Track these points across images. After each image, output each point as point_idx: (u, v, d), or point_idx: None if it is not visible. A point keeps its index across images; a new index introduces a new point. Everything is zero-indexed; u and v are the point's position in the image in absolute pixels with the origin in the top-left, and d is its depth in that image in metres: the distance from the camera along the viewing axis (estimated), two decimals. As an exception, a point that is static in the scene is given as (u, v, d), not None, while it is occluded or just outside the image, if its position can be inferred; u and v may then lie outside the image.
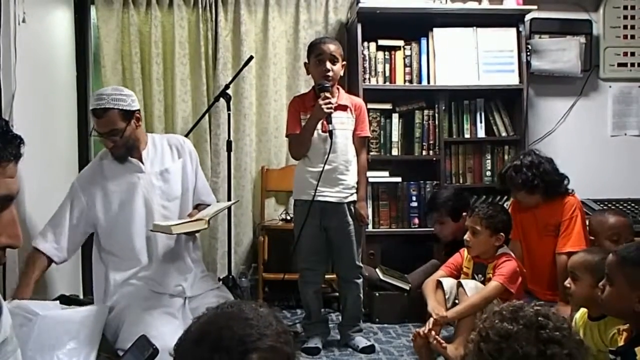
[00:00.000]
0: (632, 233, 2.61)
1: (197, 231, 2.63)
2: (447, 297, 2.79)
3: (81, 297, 3.42)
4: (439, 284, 2.82)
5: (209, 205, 2.84)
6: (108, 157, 2.67)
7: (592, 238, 2.92)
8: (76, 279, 3.56)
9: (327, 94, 2.92)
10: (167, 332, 2.32)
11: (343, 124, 3.02)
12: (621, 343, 1.81)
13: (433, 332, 2.55)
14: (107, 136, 2.55)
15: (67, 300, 2.79)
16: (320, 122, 2.95)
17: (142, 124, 2.67)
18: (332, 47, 2.99)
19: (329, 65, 2.96)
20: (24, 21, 2.74)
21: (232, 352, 0.96)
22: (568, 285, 2.12)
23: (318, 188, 2.95)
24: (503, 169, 3.23)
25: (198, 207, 2.80)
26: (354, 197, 3.05)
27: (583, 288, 2.06)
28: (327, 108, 2.89)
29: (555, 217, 3.08)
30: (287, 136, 3.16)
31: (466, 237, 2.87)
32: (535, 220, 3.14)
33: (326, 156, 2.93)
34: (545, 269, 3.12)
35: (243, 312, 1.02)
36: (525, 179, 3.06)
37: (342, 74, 3.09)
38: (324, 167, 2.93)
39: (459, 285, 2.76)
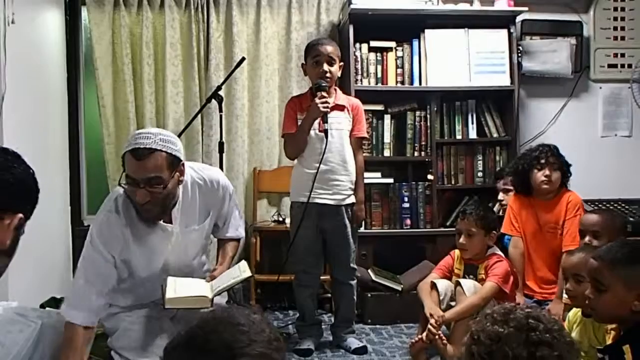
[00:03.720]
0: (616, 232, 2.61)
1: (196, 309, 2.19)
2: (441, 298, 2.80)
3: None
4: (433, 286, 2.83)
5: (237, 240, 2.55)
6: (129, 215, 2.18)
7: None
8: (67, 282, 3.55)
9: (324, 93, 2.92)
10: (159, 343, 2.30)
11: (340, 124, 3.02)
12: (609, 341, 1.82)
13: (435, 330, 2.61)
14: (146, 185, 2.05)
15: (58, 303, 2.78)
16: (317, 121, 2.95)
17: (184, 179, 2.20)
18: (329, 49, 2.99)
19: (326, 67, 2.96)
20: (13, 22, 2.73)
21: (218, 357, 0.95)
22: (571, 288, 2.09)
23: (315, 190, 2.94)
24: (531, 151, 3.19)
25: (224, 247, 2.51)
26: (352, 199, 3.05)
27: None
28: (324, 107, 2.89)
29: (556, 214, 3.11)
30: (283, 136, 3.16)
31: (461, 240, 2.88)
32: (536, 215, 3.16)
33: (322, 155, 2.92)
34: (542, 264, 3.14)
35: (234, 318, 1.02)
36: (564, 161, 3.14)
37: (339, 75, 3.09)
38: (319, 166, 2.93)
39: (457, 284, 2.78)
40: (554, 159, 3.11)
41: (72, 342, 2.06)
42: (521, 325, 1.11)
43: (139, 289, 2.34)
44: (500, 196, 3.49)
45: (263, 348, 0.98)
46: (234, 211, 2.51)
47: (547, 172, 3.08)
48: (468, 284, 2.76)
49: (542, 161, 3.09)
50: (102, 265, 2.17)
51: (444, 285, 2.84)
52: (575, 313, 2.13)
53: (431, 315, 2.67)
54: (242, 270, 2.37)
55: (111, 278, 2.20)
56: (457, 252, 2.97)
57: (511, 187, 3.42)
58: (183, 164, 2.17)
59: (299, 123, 3.01)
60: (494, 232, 2.91)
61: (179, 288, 2.21)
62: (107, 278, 2.19)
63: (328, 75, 2.96)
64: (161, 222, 2.22)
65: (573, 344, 1.13)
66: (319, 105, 2.88)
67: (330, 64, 2.98)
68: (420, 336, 2.66)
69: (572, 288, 2.08)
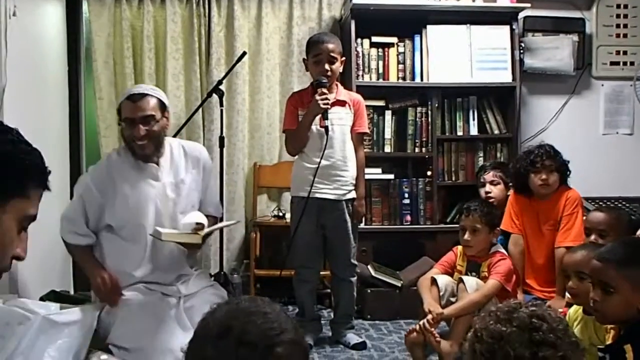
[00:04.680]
0: (623, 231, 2.60)
1: (191, 245, 2.51)
2: (441, 294, 2.80)
3: (72, 293, 3.42)
4: (434, 281, 2.83)
5: (216, 218, 2.76)
6: (123, 157, 2.53)
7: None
8: (67, 275, 3.55)
9: (324, 90, 2.91)
10: (159, 331, 2.31)
11: (341, 120, 3.01)
12: (609, 341, 1.81)
13: (431, 328, 2.59)
14: (141, 122, 2.42)
15: (58, 297, 2.78)
16: (318, 116, 2.94)
17: (169, 125, 2.61)
18: (331, 47, 2.97)
19: (327, 66, 2.95)
20: (14, 15, 2.71)
21: (257, 346, 0.96)
22: (574, 286, 2.06)
23: (316, 185, 2.93)
24: (528, 154, 3.15)
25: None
26: (353, 195, 3.04)
27: None
28: (324, 103, 2.88)
29: (556, 211, 3.10)
30: (284, 131, 3.16)
31: (466, 236, 2.87)
32: (536, 215, 3.15)
33: (322, 151, 2.91)
34: (543, 263, 3.14)
35: (261, 307, 1.03)
36: (562, 161, 3.11)
37: (341, 71, 3.08)
38: (319, 162, 2.92)
39: (460, 281, 2.77)
40: (549, 162, 3.07)
41: (80, 250, 2.54)
42: (524, 324, 1.10)
43: (131, 242, 2.51)
44: (488, 188, 3.44)
45: (293, 335, 1.00)
46: (212, 185, 2.78)
47: (543, 175, 3.06)
48: (470, 281, 2.75)
49: (538, 165, 3.07)
50: (89, 196, 2.49)
51: (444, 281, 2.84)
52: (575, 310, 2.12)
53: (429, 311, 2.67)
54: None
55: (97, 206, 2.49)
56: (459, 248, 2.97)
57: (499, 180, 3.42)
58: (168, 112, 2.56)
59: (300, 119, 3.00)
60: (497, 228, 2.93)
61: (171, 230, 2.51)
62: (93, 207, 2.50)
63: (329, 73, 2.96)
64: (149, 163, 2.53)
65: (578, 344, 1.12)
66: (319, 102, 2.88)
67: (331, 62, 2.97)
68: (413, 327, 2.65)
69: (575, 286, 2.05)
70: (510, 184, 3.38)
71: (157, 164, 2.55)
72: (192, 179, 2.62)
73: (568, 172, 3.15)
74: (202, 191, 2.69)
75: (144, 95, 2.44)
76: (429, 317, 2.63)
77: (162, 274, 2.53)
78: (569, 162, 3.15)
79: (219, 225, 2.75)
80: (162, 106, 2.49)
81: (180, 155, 2.63)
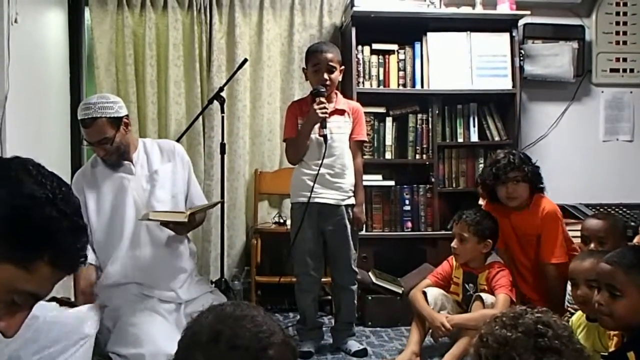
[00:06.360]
0: (620, 237, 2.60)
1: (176, 223, 2.58)
2: (431, 307, 2.80)
3: (73, 299, 3.40)
4: (424, 295, 2.83)
5: None
6: (100, 163, 2.69)
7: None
8: (67, 281, 3.54)
9: (322, 99, 2.92)
10: (158, 336, 2.32)
11: (340, 128, 3.01)
12: (612, 348, 1.81)
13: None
14: (98, 145, 2.57)
15: (58, 304, 2.77)
16: (317, 125, 2.95)
17: (132, 128, 2.69)
18: (330, 56, 2.97)
19: (325, 75, 2.96)
20: (16, 22, 2.72)
21: (250, 350, 0.96)
22: (583, 294, 2.04)
23: (315, 190, 2.94)
24: (492, 164, 3.01)
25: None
26: (352, 201, 3.05)
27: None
28: (322, 113, 2.89)
29: (533, 225, 2.95)
30: (284, 140, 3.16)
31: (453, 244, 2.86)
32: (513, 229, 3.02)
33: (321, 160, 2.92)
34: (526, 275, 3.04)
35: (247, 311, 1.03)
36: (529, 169, 2.95)
37: (340, 79, 3.09)
38: (318, 171, 2.92)
39: (478, 298, 2.76)
40: (514, 173, 2.90)
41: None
42: (529, 330, 1.10)
43: (114, 238, 2.58)
44: (481, 201, 3.34)
45: (282, 336, 1.01)
46: (193, 178, 2.83)
47: (509, 189, 2.91)
48: (490, 299, 2.73)
49: (502, 178, 2.92)
50: None
51: (434, 294, 2.84)
52: (579, 317, 2.12)
53: (441, 326, 2.68)
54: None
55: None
56: (454, 258, 2.96)
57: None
58: (127, 116, 2.63)
59: (300, 128, 3.01)
60: (489, 240, 2.85)
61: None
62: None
63: (328, 83, 2.96)
64: (123, 161, 2.66)
65: (582, 351, 1.12)
66: (317, 111, 2.88)
67: (330, 72, 2.97)
68: None
69: (584, 294, 2.03)
70: None
71: (131, 160, 2.68)
72: (167, 170, 2.73)
73: (540, 180, 2.99)
74: (186, 186, 2.78)
75: (93, 119, 2.52)
76: (443, 329, 2.66)
77: (147, 275, 2.54)
78: (538, 167, 3.00)
79: (204, 206, 2.83)
80: (115, 121, 2.56)
81: (154, 149, 2.76)
